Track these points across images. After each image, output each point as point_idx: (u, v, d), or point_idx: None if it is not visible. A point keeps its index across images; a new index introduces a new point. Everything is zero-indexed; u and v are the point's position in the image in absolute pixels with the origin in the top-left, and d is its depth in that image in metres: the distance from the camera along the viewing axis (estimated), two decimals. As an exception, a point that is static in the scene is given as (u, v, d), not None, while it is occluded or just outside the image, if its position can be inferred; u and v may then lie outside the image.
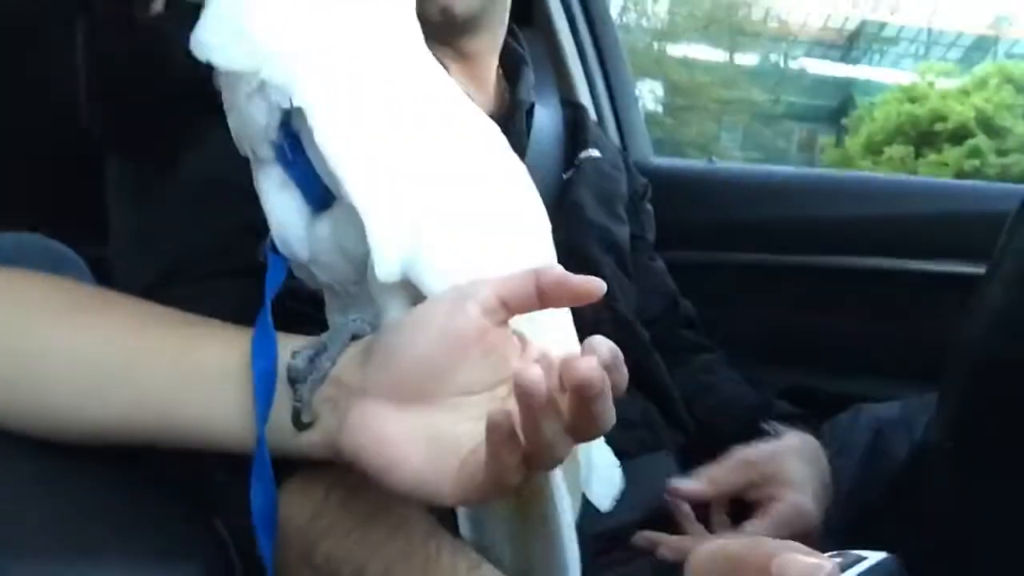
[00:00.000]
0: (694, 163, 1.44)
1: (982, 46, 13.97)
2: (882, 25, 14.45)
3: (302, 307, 0.57)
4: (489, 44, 0.92)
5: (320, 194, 0.52)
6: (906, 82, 13.40)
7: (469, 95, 0.86)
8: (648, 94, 11.84)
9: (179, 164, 0.70)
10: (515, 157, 0.58)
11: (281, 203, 0.54)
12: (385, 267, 0.48)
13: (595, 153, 0.99)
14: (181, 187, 0.71)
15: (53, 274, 0.58)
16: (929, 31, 14.20)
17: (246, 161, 0.55)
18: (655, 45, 11.80)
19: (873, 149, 12.78)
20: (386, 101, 0.50)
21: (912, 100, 12.69)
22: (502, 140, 0.58)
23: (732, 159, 13.34)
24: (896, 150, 12.48)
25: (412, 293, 0.50)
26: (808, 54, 14.68)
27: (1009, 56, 13.39)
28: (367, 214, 0.48)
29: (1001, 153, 11.80)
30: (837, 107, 14.46)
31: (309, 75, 0.49)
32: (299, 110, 0.49)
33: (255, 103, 0.51)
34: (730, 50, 12.89)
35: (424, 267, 0.49)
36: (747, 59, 13.64)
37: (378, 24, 0.53)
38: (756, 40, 13.79)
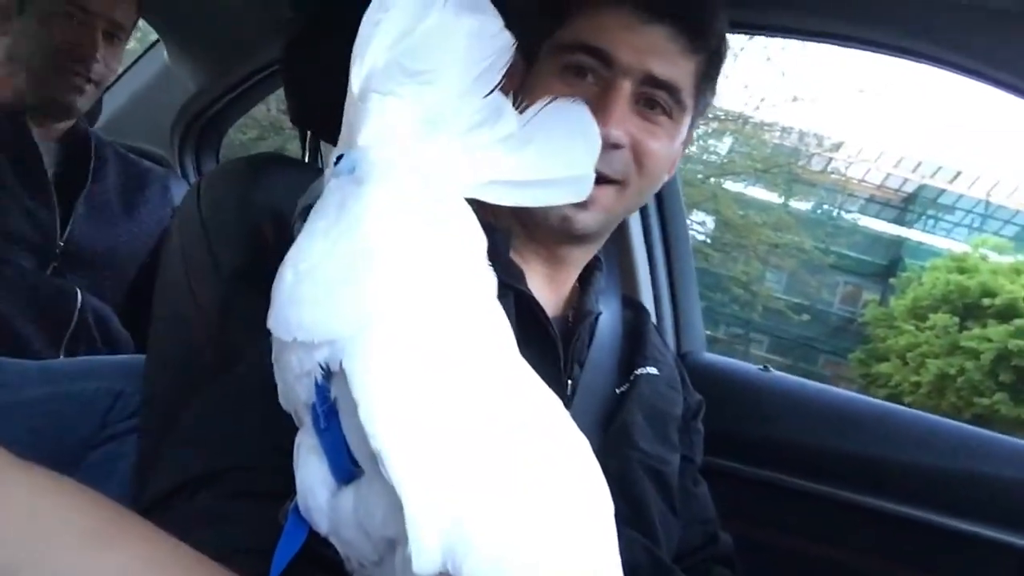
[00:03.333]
0: (747, 367, 1.40)
1: (1038, 227, 13.93)
2: (940, 192, 14.51)
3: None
4: (587, 255, 0.91)
5: (345, 466, 0.49)
6: (958, 251, 13.37)
7: (542, 300, 0.84)
8: (698, 226, 11.92)
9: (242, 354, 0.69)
10: (579, 433, 0.54)
11: (309, 469, 0.51)
12: (424, 556, 0.44)
13: (652, 371, 0.95)
14: (236, 379, 0.69)
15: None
16: (987, 204, 14.20)
17: None
18: (712, 179, 11.93)
19: (918, 314, 12.67)
20: (441, 378, 0.48)
21: (962, 270, 12.63)
22: (563, 415, 0.54)
23: (775, 302, 13.36)
24: (940, 318, 12.35)
25: None
26: (862, 210, 14.74)
27: (1066, 241, 13.31)
28: (407, 498, 0.44)
29: (1049, 338, 11.63)
30: (886, 266, 14.42)
31: (362, 343, 0.47)
32: (340, 376, 0.46)
33: (300, 369, 0.49)
34: (785, 195, 12.98)
35: (468, 558, 0.45)
36: (801, 205, 13.72)
37: (445, 287, 0.51)
38: (812, 188, 13.89)
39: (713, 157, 12.00)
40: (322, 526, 0.50)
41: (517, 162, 0.53)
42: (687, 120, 0.88)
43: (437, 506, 0.45)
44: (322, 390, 0.48)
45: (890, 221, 15.04)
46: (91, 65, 1.45)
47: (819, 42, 1.23)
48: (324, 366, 0.48)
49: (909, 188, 14.69)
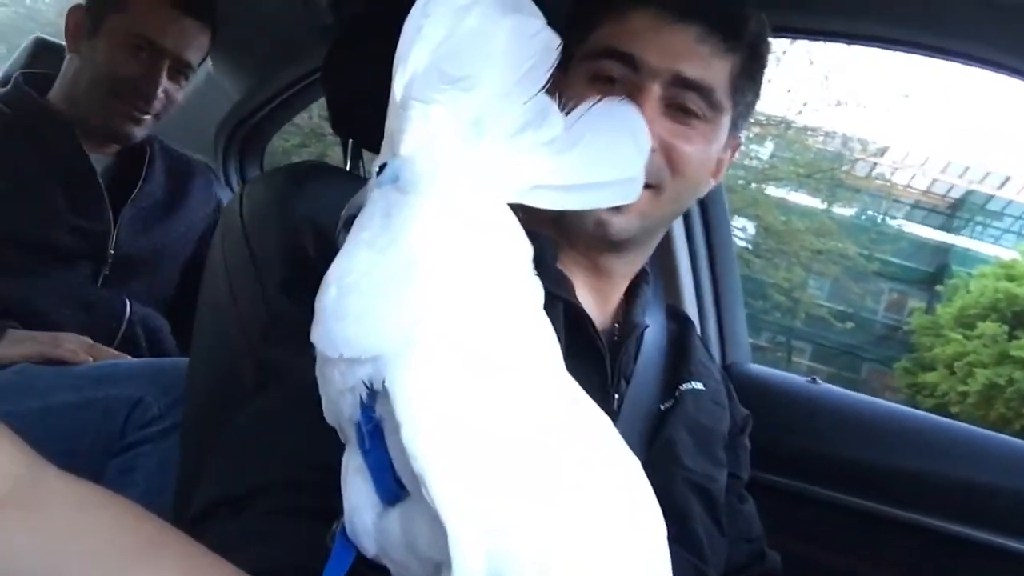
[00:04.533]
0: (793, 379, 1.36)
1: (1091, 233, 13.57)
2: (988, 198, 14.21)
3: None
4: (631, 267, 0.89)
5: (391, 487, 0.48)
6: (1006, 258, 13.06)
7: (590, 312, 0.82)
8: (739, 232, 11.79)
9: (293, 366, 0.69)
10: (629, 452, 0.52)
11: (355, 489, 0.50)
12: None
13: (698, 386, 0.93)
14: (281, 394, 0.68)
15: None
16: (1036, 211, 13.88)
17: None
18: (753, 185, 11.80)
19: (965, 322, 12.39)
20: (486, 397, 0.46)
21: (1011, 278, 12.33)
22: (612, 433, 0.52)
23: (818, 309, 13.16)
24: (989, 326, 12.07)
25: None
26: (908, 216, 14.47)
27: (1119, 247, 12.94)
28: (451, 523, 0.43)
29: (1103, 347, 11.31)
30: (932, 273, 14.13)
31: (405, 361, 0.46)
32: (384, 395, 0.45)
33: (343, 384, 0.48)
34: (828, 201, 12.79)
35: None
36: (845, 211, 13.50)
37: (492, 299, 0.49)
38: (856, 194, 13.67)
39: (755, 162, 11.86)
40: (369, 548, 0.49)
41: (564, 165, 0.51)
42: (725, 122, 0.86)
43: (481, 530, 0.44)
44: (366, 408, 0.47)
45: (936, 227, 14.75)
46: (152, 100, 1.47)
47: (851, 43, 1.20)
48: (368, 384, 0.47)
49: (956, 194, 14.40)
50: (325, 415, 0.51)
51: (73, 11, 1.51)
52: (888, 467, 1.15)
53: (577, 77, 0.84)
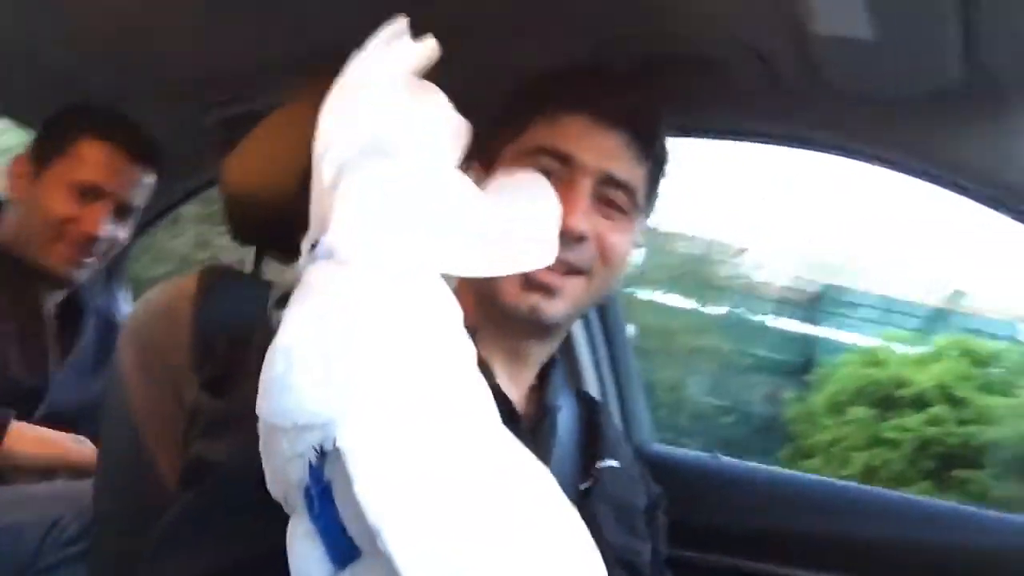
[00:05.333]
0: (697, 455, 1.41)
1: (939, 318, 14.61)
2: (843, 290, 15.13)
3: None
4: (548, 351, 0.92)
5: (344, 548, 0.48)
6: (867, 345, 13.84)
7: (509, 395, 0.84)
8: (620, 336, 12.07)
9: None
10: (567, 503, 0.54)
11: (304, 555, 0.50)
12: None
13: (614, 463, 0.96)
14: (214, 483, 0.67)
15: None
16: (887, 299, 14.87)
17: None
18: (628, 289, 12.24)
19: (836, 409, 12.94)
20: (434, 449, 0.48)
21: (873, 364, 13.04)
22: (550, 479, 0.54)
23: (700, 406, 13.51)
24: (858, 411, 12.63)
25: None
26: (773, 311, 15.23)
27: (965, 330, 13.96)
28: (408, 573, 0.43)
29: (962, 423, 12.00)
30: (801, 364, 14.79)
31: (355, 420, 0.46)
32: (333, 457, 0.46)
33: (293, 451, 0.48)
34: (700, 301, 13.34)
35: None
36: (715, 311, 14.10)
37: (431, 360, 0.51)
38: (723, 293, 14.33)
39: (629, 268, 12.33)
40: None
41: (485, 234, 0.54)
42: (641, 221, 0.93)
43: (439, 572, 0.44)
44: (316, 472, 0.48)
45: (800, 320, 15.56)
46: (94, 242, 1.46)
47: (754, 142, 1.31)
48: (317, 448, 0.47)
49: (814, 288, 15.27)
50: (269, 487, 0.51)
51: (16, 160, 1.51)
52: (795, 531, 1.19)
53: (508, 172, 0.89)
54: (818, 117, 1.14)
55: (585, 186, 0.85)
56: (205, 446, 0.73)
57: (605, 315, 1.42)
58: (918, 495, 11.11)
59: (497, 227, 0.53)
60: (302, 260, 0.54)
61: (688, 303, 13.18)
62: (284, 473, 0.49)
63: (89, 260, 1.50)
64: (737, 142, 1.30)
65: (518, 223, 0.53)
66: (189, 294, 0.97)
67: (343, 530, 0.48)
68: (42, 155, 1.50)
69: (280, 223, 1.06)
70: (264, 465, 0.51)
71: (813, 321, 15.85)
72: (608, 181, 0.86)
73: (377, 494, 0.44)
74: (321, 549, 0.49)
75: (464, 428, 0.50)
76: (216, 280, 1.01)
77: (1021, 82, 0.96)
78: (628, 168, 0.86)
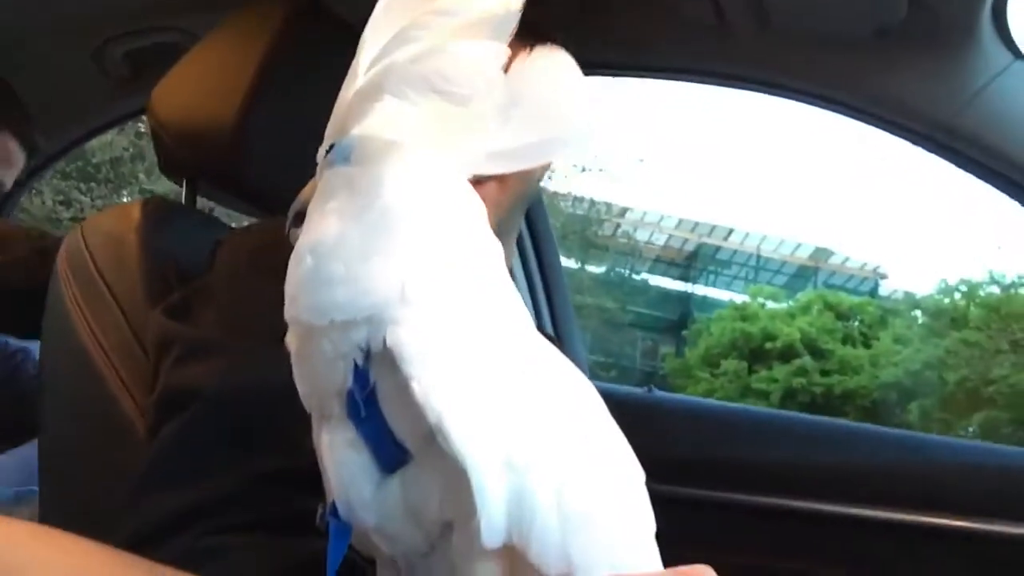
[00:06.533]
0: (632, 389, 1.44)
1: (804, 274, 15.42)
2: (717, 248, 15.74)
3: None
4: None
5: (392, 453, 0.46)
6: (739, 301, 14.52)
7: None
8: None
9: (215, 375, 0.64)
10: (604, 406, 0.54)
11: (348, 463, 0.48)
12: (496, 528, 0.42)
13: None
14: (205, 407, 0.63)
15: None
16: (758, 257, 15.56)
17: (279, 402, 0.49)
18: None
19: (710, 362, 13.58)
20: (485, 344, 0.46)
21: (744, 319, 13.72)
22: (593, 391, 0.53)
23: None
24: (731, 364, 13.30)
25: (505, 565, 0.44)
26: (651, 270, 15.72)
27: (828, 285, 14.81)
28: (474, 468, 0.42)
29: (825, 373, 12.80)
30: (677, 320, 15.38)
31: (405, 315, 0.44)
32: (380, 360, 0.44)
33: (335, 352, 0.46)
34: (582, 260, 13.61)
35: (533, 531, 0.43)
36: (597, 269, 14.44)
37: (469, 253, 0.50)
38: (606, 252, 14.66)
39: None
40: (368, 520, 0.47)
41: (512, 129, 0.51)
42: None
43: (503, 472, 0.43)
44: (361, 374, 0.45)
45: (676, 279, 16.11)
46: None
47: (677, 79, 1.32)
48: (364, 347, 0.45)
49: (690, 247, 15.82)
50: (303, 398, 0.49)
51: None
52: (730, 456, 1.24)
53: None
54: (760, 55, 1.16)
55: None
56: (184, 374, 0.69)
57: (540, 252, 1.43)
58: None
59: (523, 122, 0.50)
60: (320, 168, 0.51)
61: (570, 262, 13.44)
62: (324, 377, 0.47)
63: None
64: (675, 81, 1.31)
65: (545, 113, 0.50)
66: (134, 223, 0.91)
67: (391, 434, 0.45)
68: None
69: (215, 154, 1.00)
70: (296, 375, 0.48)
71: (688, 279, 16.51)
72: None
73: (436, 391, 0.43)
74: (367, 455, 0.47)
75: (507, 321, 0.49)
76: (159, 209, 0.95)
77: (961, 23, 1.00)
78: None
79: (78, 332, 0.85)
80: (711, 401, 1.30)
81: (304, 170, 0.57)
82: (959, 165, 1.11)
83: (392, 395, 0.45)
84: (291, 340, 0.49)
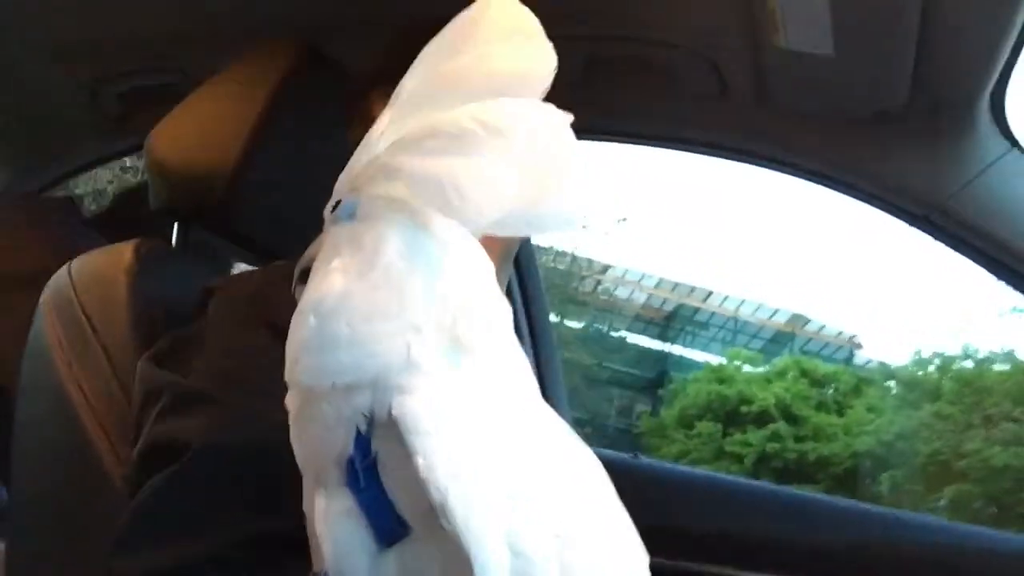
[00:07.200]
0: (617, 454, 1.43)
1: (781, 339, 15.49)
2: (696, 309, 15.81)
3: None
4: None
5: (391, 526, 0.45)
6: (715, 364, 14.55)
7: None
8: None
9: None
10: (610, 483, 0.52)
11: (344, 533, 0.46)
12: None
13: None
14: (195, 460, 0.61)
15: None
16: (736, 320, 15.64)
17: (270, 460, 0.47)
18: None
19: (685, 423, 13.54)
20: (493, 414, 0.45)
21: (721, 381, 13.72)
22: (599, 466, 0.52)
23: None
24: (705, 426, 13.27)
25: None
26: (630, 328, 15.74)
27: (804, 352, 14.87)
28: (480, 552, 0.41)
29: (799, 439, 12.79)
30: (654, 379, 15.37)
31: (412, 384, 0.43)
32: (384, 429, 0.42)
33: (337, 418, 0.44)
34: (561, 315, 13.62)
35: None
36: (576, 325, 14.44)
37: (478, 315, 0.48)
38: (585, 308, 14.68)
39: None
40: None
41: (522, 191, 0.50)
42: None
43: (506, 559, 0.42)
44: (363, 442, 0.44)
45: (655, 338, 16.13)
46: None
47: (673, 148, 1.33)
48: (367, 413, 0.44)
49: (669, 307, 15.87)
50: (299, 460, 0.47)
51: None
52: (717, 528, 1.23)
53: None
54: (760, 129, 1.17)
55: None
56: (171, 426, 0.66)
57: (529, 306, 1.42)
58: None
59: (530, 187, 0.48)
60: (327, 221, 0.49)
61: (552, 317, 13.42)
62: (322, 444, 0.45)
63: None
64: (675, 151, 1.32)
65: (549, 178, 0.49)
66: (125, 265, 0.89)
67: (391, 506, 0.44)
68: None
69: (211, 198, 0.99)
70: (294, 437, 0.47)
71: (666, 339, 16.55)
72: None
73: (441, 467, 0.41)
74: (365, 527, 0.45)
75: (517, 396, 0.47)
76: (151, 252, 0.93)
77: (960, 110, 1.02)
78: None
79: (58, 373, 0.83)
80: (699, 471, 1.29)
81: (300, 218, 0.56)
82: (952, 247, 1.12)
83: (394, 466, 0.43)
84: (290, 402, 0.47)
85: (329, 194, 0.50)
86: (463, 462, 0.42)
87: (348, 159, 0.50)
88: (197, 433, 0.63)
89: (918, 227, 1.13)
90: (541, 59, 0.48)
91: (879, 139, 1.09)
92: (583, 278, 14.26)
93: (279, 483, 0.51)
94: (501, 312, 0.49)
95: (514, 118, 0.46)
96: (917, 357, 12.89)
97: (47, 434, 0.86)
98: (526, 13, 0.49)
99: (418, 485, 0.42)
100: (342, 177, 0.51)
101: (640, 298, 15.72)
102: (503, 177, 0.45)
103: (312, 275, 0.49)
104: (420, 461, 0.41)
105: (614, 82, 1.23)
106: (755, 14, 0.99)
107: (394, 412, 0.43)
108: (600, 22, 1.13)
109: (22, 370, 0.90)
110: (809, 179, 1.20)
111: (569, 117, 0.48)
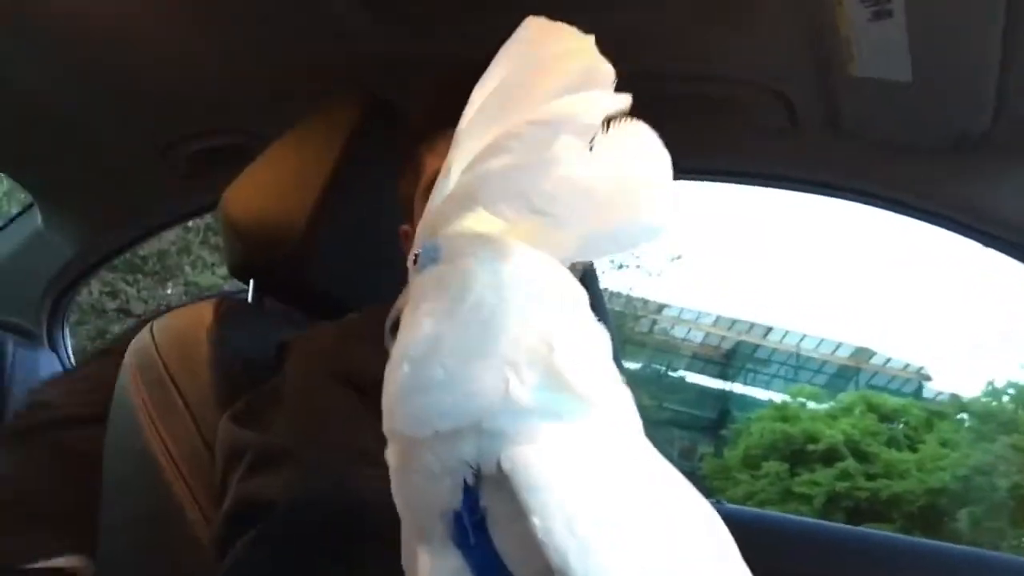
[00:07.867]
0: None
1: (845, 374, 15.11)
2: (755, 346, 15.53)
3: None
4: None
5: None
6: (778, 401, 14.22)
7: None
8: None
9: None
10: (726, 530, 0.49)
11: None
12: None
13: None
14: (284, 518, 0.60)
15: None
16: (798, 356, 15.32)
17: (356, 517, 0.46)
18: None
19: (751, 463, 13.21)
20: (608, 462, 0.43)
21: (785, 419, 13.40)
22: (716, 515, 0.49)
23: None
24: (772, 465, 12.93)
25: None
26: (688, 367, 15.51)
27: (870, 386, 14.47)
28: None
29: (870, 477, 12.38)
30: (716, 419, 15.07)
31: (524, 434, 0.41)
32: (493, 482, 0.40)
33: (442, 468, 0.42)
34: (619, 354, 13.51)
35: None
36: (633, 365, 14.28)
37: (578, 352, 0.46)
38: (642, 348, 14.54)
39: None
40: None
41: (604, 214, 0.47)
42: None
43: None
44: (471, 496, 0.42)
45: (714, 376, 15.87)
46: None
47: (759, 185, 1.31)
48: (473, 464, 0.41)
49: (727, 345, 15.63)
50: (402, 515, 0.45)
51: None
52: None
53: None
54: (833, 159, 1.15)
55: None
56: (255, 483, 0.66)
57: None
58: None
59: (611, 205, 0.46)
60: (411, 272, 0.48)
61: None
62: (425, 497, 0.43)
63: None
64: (748, 186, 1.30)
65: (634, 194, 0.46)
66: (205, 324, 0.90)
67: (503, 567, 0.41)
68: None
69: (285, 255, 0.99)
70: (395, 491, 0.45)
71: (727, 377, 16.26)
72: None
73: (560, 528, 0.39)
74: None
75: (627, 437, 0.45)
76: (230, 310, 0.94)
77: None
78: None
79: (145, 436, 0.83)
80: (783, 515, 1.23)
81: (374, 269, 0.55)
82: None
83: (506, 523, 0.41)
84: (391, 455, 0.45)
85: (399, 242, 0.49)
86: (583, 521, 0.40)
87: (400, 210, 0.49)
88: (281, 491, 0.63)
89: (997, 247, 1.09)
90: (598, 70, 0.45)
91: (958, 165, 1.06)
92: (639, 318, 14.14)
93: (364, 539, 0.49)
94: (599, 340, 0.47)
95: (586, 108, 0.44)
96: (990, 388, 12.44)
97: (134, 494, 0.86)
98: (570, 30, 0.46)
99: (533, 543, 0.39)
100: (420, 227, 0.50)
101: (697, 337, 15.51)
102: (592, 171, 0.43)
103: (401, 325, 0.47)
104: (535, 521, 0.39)
105: (681, 120, 1.22)
106: (826, 44, 0.97)
107: (504, 465, 0.41)
108: (666, 59, 1.12)
109: (107, 434, 0.90)
110: (884, 207, 1.16)
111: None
